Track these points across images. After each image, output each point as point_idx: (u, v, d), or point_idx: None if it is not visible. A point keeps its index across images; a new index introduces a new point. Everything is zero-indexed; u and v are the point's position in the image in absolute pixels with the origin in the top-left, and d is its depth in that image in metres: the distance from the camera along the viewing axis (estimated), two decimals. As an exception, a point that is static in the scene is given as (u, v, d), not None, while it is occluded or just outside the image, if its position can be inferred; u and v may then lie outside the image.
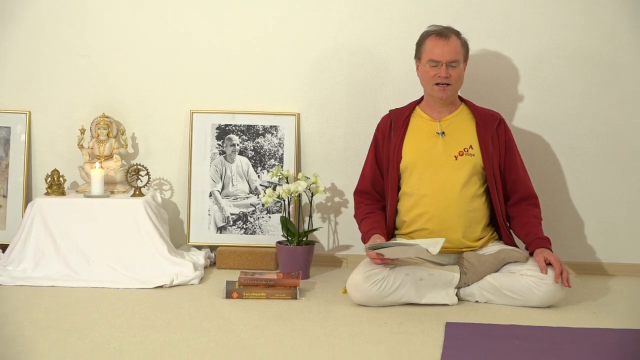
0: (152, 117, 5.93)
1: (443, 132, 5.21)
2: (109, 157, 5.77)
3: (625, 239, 5.77)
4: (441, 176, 5.12)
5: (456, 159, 5.15)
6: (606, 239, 5.79)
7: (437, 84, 5.15)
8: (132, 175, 5.70)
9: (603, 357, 4.12)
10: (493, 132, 5.20)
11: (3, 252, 5.61)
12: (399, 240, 5.18)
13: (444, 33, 5.16)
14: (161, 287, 5.28)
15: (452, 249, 5.10)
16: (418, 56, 5.24)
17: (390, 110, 5.37)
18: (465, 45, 5.22)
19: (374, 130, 5.36)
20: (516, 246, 5.19)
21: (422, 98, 5.32)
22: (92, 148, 5.78)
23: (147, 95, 5.91)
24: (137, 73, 5.91)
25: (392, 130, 5.27)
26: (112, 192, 5.72)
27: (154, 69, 5.90)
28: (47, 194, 5.64)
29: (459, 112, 5.27)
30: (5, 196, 5.88)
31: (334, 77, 5.83)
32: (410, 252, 4.91)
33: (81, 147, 5.79)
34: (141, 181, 5.73)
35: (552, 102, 5.73)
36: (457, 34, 5.21)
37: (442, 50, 5.13)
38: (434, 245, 4.79)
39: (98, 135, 5.78)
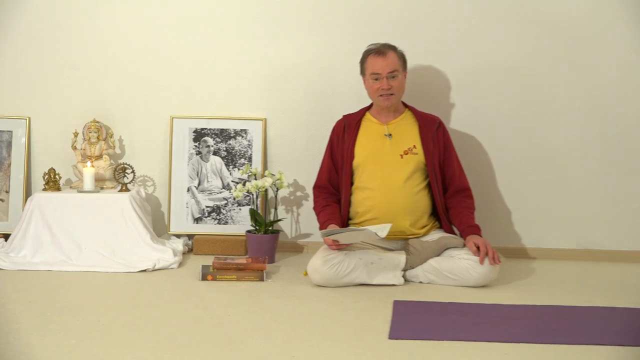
0: (137, 122, 5.88)
1: (390, 134, 5.19)
2: (99, 157, 5.72)
3: (546, 227, 5.79)
4: (389, 172, 5.11)
5: (402, 157, 5.13)
6: (530, 227, 5.80)
7: (381, 95, 5.14)
8: (119, 173, 5.66)
9: (527, 329, 4.14)
10: (433, 133, 5.20)
11: (6, 240, 5.56)
12: (351, 227, 5.15)
13: (381, 50, 5.15)
14: (145, 270, 5.25)
15: (399, 236, 5.08)
16: (362, 72, 5.24)
17: (344, 115, 5.35)
18: (402, 57, 5.21)
19: (330, 133, 5.34)
20: (455, 234, 5.19)
21: (371, 105, 5.30)
22: (84, 149, 5.74)
23: (132, 103, 5.87)
24: (124, 83, 5.87)
25: (345, 132, 5.25)
26: (102, 188, 5.68)
27: (138, 80, 5.86)
28: (44, 189, 5.59)
29: (403, 116, 5.26)
30: (7, 192, 5.82)
31: (296, 87, 5.81)
32: (361, 236, 4.90)
33: (74, 148, 5.74)
34: (127, 178, 5.69)
35: (484, 108, 5.74)
36: (394, 48, 5.20)
37: (381, 65, 5.12)
38: (382, 230, 4.82)
39: (89, 138, 5.74)
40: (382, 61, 5.14)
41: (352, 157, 5.19)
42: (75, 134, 5.75)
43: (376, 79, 5.14)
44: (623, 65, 5.65)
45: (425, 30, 5.70)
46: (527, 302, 4.63)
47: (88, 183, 5.55)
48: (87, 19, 5.83)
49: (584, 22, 5.63)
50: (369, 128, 5.24)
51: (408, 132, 5.21)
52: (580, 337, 4.02)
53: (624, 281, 5.19)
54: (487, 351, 3.83)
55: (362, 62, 5.24)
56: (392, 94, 5.15)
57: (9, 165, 5.84)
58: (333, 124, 5.36)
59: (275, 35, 5.79)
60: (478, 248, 4.91)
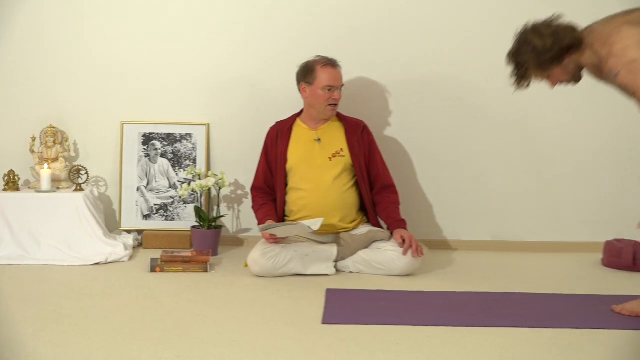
0: (90, 127, 5.85)
1: (319, 139, 5.21)
2: (55, 159, 5.69)
3: (464, 220, 5.85)
4: (319, 174, 5.14)
5: (330, 160, 5.16)
6: (450, 221, 5.86)
7: (330, 105, 5.15)
8: (74, 174, 5.64)
9: (447, 314, 4.19)
10: (359, 136, 5.23)
11: (-32, 237, 5.50)
12: (287, 222, 5.18)
13: (334, 63, 5.16)
14: (98, 264, 5.23)
15: (330, 230, 5.11)
16: (309, 81, 5.17)
17: (277, 122, 5.35)
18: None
19: (265, 138, 5.35)
20: (381, 227, 5.23)
21: (301, 111, 5.32)
22: (41, 152, 5.70)
23: (86, 110, 5.84)
24: (78, 92, 5.83)
25: (278, 138, 5.26)
26: (58, 188, 5.64)
27: (92, 88, 5.83)
28: (4, 189, 5.54)
29: (331, 122, 5.27)
30: (-31, 192, 5.77)
31: (236, 95, 5.82)
32: (296, 230, 4.92)
33: (32, 151, 5.70)
34: (81, 179, 5.67)
35: (411, 115, 5.78)
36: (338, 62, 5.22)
37: (336, 78, 5.14)
38: (314, 224, 4.83)
39: (46, 142, 5.70)
40: (337, 74, 5.15)
41: (285, 160, 5.20)
42: (33, 139, 5.71)
43: (329, 90, 5.14)
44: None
45: (362, 44, 5.73)
46: (448, 289, 4.69)
47: (45, 183, 5.52)
48: (45, 31, 5.78)
49: (504, 30, 5.70)
50: (300, 134, 5.26)
51: (335, 137, 5.23)
52: (495, 321, 4.07)
53: (535, 269, 5.27)
54: (412, 334, 3.88)
55: (312, 71, 5.15)
56: (336, 105, 5.19)
57: (-29, 167, 5.79)
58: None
59: (219, 48, 5.79)
60: (404, 241, 4.97)
